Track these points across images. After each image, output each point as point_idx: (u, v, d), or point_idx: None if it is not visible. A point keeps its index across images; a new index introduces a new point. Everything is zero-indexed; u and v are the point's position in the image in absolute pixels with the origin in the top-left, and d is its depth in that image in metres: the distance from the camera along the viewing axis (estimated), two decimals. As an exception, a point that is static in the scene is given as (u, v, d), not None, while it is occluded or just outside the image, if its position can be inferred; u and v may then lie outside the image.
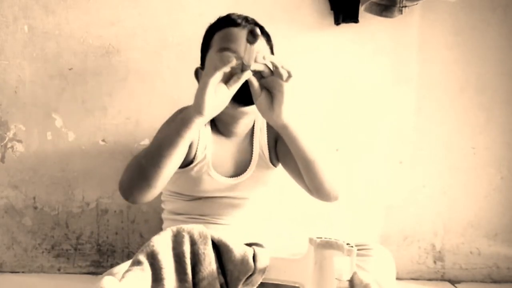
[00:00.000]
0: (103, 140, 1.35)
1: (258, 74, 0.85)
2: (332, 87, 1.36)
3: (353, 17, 1.28)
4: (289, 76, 0.83)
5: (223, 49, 0.95)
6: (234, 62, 0.81)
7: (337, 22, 1.30)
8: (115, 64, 1.33)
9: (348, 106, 1.36)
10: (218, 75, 0.81)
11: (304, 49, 1.33)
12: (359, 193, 1.38)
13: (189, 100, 1.31)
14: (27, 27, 1.32)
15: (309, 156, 0.93)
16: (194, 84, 1.27)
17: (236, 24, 0.97)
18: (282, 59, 0.85)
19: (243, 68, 0.82)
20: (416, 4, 1.25)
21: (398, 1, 1.21)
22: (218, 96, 0.82)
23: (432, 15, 1.34)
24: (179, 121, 0.86)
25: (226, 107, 0.86)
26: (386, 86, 1.36)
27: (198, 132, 1.01)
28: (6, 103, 1.34)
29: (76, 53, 1.33)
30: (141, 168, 0.87)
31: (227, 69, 0.81)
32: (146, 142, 1.34)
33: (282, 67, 0.83)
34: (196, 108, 0.83)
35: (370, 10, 1.24)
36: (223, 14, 1.04)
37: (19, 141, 1.35)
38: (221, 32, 0.98)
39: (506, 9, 1.35)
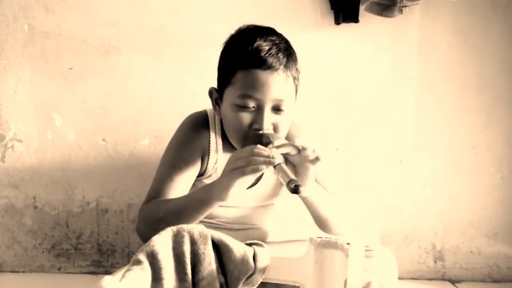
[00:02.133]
0: (103, 140, 1.35)
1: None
2: (332, 87, 1.36)
3: (353, 17, 1.28)
4: (317, 159, 0.84)
5: (247, 96, 0.89)
6: (264, 169, 0.81)
7: (337, 22, 1.30)
8: (115, 64, 1.33)
9: (348, 105, 1.36)
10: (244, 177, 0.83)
11: (304, 48, 1.33)
12: (359, 193, 1.38)
13: (189, 100, 1.32)
14: (27, 26, 1.32)
15: (323, 215, 0.98)
16: (194, 83, 1.27)
17: (265, 66, 0.88)
18: (314, 142, 0.86)
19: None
20: (417, 3, 1.25)
21: (398, 0, 1.21)
22: (242, 184, 0.85)
23: (432, 14, 1.34)
24: (199, 202, 0.89)
25: None
26: (386, 85, 1.36)
27: (209, 147, 1.00)
28: (6, 103, 1.34)
29: (76, 53, 1.33)
30: (159, 229, 0.86)
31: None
32: (146, 142, 1.34)
33: (314, 151, 0.84)
34: (219, 196, 0.86)
35: (370, 9, 1.24)
36: (246, 24, 0.96)
37: (19, 140, 1.35)
38: (246, 74, 0.89)
39: (506, 8, 1.34)
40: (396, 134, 1.37)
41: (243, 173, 0.81)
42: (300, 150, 0.85)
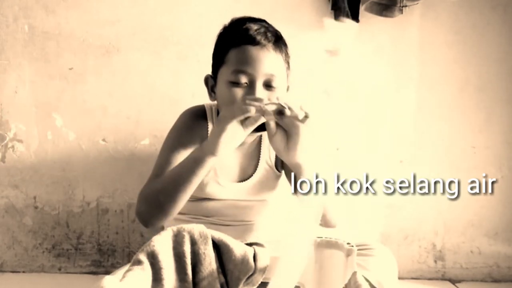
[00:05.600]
0: (103, 140, 1.35)
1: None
2: (332, 87, 1.36)
3: (353, 17, 1.28)
4: (306, 117, 0.86)
5: (239, 71, 0.92)
6: (253, 112, 0.83)
7: (337, 22, 1.30)
8: (115, 63, 1.33)
9: (348, 105, 1.36)
10: (236, 122, 0.84)
11: (303, 48, 1.33)
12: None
13: (189, 100, 1.32)
14: (27, 26, 1.32)
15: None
16: (194, 83, 1.27)
17: (255, 43, 0.93)
18: (300, 100, 0.87)
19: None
20: (417, 3, 1.25)
21: (398, 0, 1.21)
22: (234, 137, 0.85)
23: (432, 14, 1.34)
24: (192, 160, 0.89)
25: None
26: (386, 85, 1.36)
27: (207, 135, 1.01)
28: (6, 103, 1.34)
29: (76, 53, 1.33)
30: (158, 203, 0.89)
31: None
32: (146, 141, 1.34)
33: (301, 108, 0.86)
34: (211, 149, 0.86)
35: (370, 9, 1.24)
36: (239, 15, 1.00)
37: (20, 140, 1.35)
38: (237, 50, 0.94)
39: (506, 8, 1.34)
40: (397, 134, 1.37)
41: (234, 116, 0.83)
42: (285, 108, 0.86)
